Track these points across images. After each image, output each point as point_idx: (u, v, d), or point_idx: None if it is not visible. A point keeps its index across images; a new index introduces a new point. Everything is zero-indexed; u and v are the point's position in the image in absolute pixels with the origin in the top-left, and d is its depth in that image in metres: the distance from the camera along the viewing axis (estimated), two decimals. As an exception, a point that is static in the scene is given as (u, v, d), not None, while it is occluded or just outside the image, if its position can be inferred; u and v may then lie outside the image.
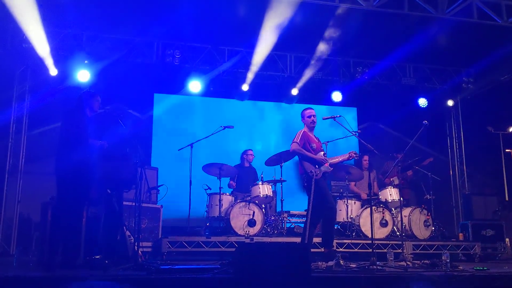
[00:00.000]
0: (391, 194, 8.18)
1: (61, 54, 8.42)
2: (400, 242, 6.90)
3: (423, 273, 4.91)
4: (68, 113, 5.47)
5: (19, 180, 8.27)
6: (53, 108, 8.00)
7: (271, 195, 7.86)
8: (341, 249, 7.10)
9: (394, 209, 8.04)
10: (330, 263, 5.32)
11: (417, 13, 7.70)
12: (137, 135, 6.02)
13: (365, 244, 7.38)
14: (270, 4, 7.43)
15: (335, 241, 6.68)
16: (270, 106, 10.48)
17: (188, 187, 7.58)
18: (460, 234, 8.49)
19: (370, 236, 6.37)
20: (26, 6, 7.13)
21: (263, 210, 7.56)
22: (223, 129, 7.93)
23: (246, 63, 9.24)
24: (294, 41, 8.82)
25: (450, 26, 7.93)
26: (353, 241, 7.45)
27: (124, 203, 5.84)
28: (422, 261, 6.10)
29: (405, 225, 7.80)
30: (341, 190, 8.38)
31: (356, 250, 7.34)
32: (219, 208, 7.55)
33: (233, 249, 6.63)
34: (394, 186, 8.29)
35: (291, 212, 8.35)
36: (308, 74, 9.45)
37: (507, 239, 8.49)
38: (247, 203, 7.48)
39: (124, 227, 5.77)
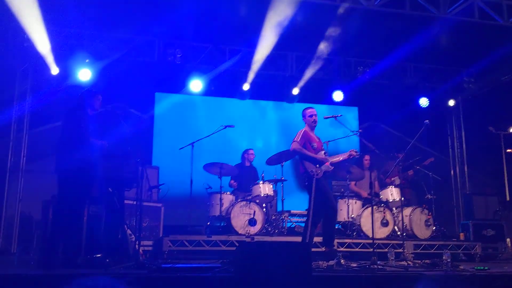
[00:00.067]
0: (392, 193, 8.18)
1: (63, 53, 8.42)
2: (401, 242, 6.90)
3: (424, 272, 4.91)
4: (69, 111, 5.46)
5: (20, 179, 8.28)
6: (54, 107, 8.01)
7: (272, 194, 7.86)
8: (342, 249, 7.09)
9: (395, 209, 8.04)
10: (331, 262, 5.32)
11: (418, 12, 7.69)
12: (138, 134, 6.01)
13: (366, 243, 7.38)
14: (271, 3, 7.43)
15: (336, 240, 6.68)
16: (271, 106, 10.48)
17: (189, 186, 7.59)
18: (461, 234, 8.49)
19: (371, 236, 6.37)
20: (27, 5, 7.13)
21: (264, 209, 7.56)
22: (224, 128, 7.92)
23: (247, 62, 9.24)
24: (295, 40, 8.81)
25: (451, 26, 7.93)
26: (354, 241, 7.44)
27: (125, 201, 5.84)
28: (423, 260, 6.12)
29: (406, 224, 7.80)
30: (342, 190, 8.37)
31: (357, 249, 7.34)
32: (220, 207, 7.55)
33: (234, 248, 6.64)
34: (395, 186, 8.29)
35: (292, 211, 8.34)
36: (309, 73, 9.44)
37: (508, 239, 8.48)
38: (248, 203, 7.48)
39: (125, 226, 5.78)
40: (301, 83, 9.65)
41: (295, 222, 8.38)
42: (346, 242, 7.36)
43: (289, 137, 7.16)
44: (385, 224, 7.79)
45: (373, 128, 10.57)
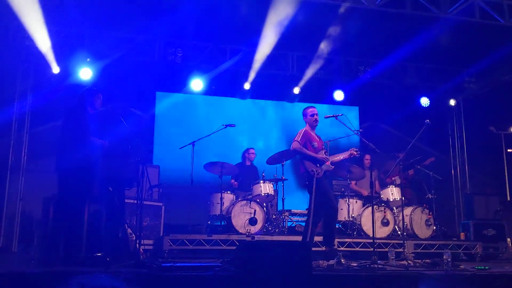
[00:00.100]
0: (392, 193, 8.19)
1: (63, 52, 8.42)
2: (402, 241, 6.91)
3: (424, 272, 4.90)
4: (69, 110, 5.47)
5: (21, 178, 8.28)
6: (55, 106, 8.01)
7: (273, 193, 7.87)
8: (342, 248, 7.10)
9: (396, 208, 8.04)
10: (332, 261, 5.33)
11: (419, 12, 7.69)
12: (139, 133, 6.02)
13: (366, 243, 7.37)
14: (272, 3, 7.44)
15: (336, 239, 6.68)
16: (271, 105, 10.49)
17: (189, 185, 7.59)
18: (462, 233, 8.48)
19: (371, 235, 6.37)
20: (28, 4, 7.14)
21: (264, 208, 7.57)
22: (225, 127, 7.91)
23: (247, 62, 9.24)
24: (296, 40, 8.82)
25: (452, 25, 7.93)
26: (354, 240, 7.44)
27: (126, 200, 5.84)
28: (423, 260, 6.12)
29: (406, 224, 7.79)
30: (343, 189, 8.37)
31: (357, 249, 7.34)
32: (221, 207, 7.55)
33: (234, 247, 6.64)
34: (396, 185, 8.29)
35: (292, 210, 8.35)
36: (310, 73, 9.45)
37: (508, 239, 8.48)
38: (248, 202, 7.48)
39: (126, 225, 5.79)
40: (302, 82, 9.65)
41: (296, 221, 8.39)
42: (346, 242, 7.36)
43: (289, 136, 7.18)
44: (385, 223, 7.79)
45: (373, 127, 10.56)
